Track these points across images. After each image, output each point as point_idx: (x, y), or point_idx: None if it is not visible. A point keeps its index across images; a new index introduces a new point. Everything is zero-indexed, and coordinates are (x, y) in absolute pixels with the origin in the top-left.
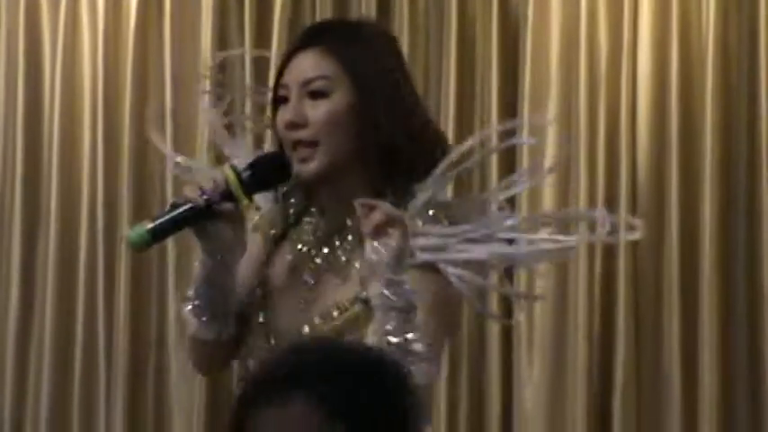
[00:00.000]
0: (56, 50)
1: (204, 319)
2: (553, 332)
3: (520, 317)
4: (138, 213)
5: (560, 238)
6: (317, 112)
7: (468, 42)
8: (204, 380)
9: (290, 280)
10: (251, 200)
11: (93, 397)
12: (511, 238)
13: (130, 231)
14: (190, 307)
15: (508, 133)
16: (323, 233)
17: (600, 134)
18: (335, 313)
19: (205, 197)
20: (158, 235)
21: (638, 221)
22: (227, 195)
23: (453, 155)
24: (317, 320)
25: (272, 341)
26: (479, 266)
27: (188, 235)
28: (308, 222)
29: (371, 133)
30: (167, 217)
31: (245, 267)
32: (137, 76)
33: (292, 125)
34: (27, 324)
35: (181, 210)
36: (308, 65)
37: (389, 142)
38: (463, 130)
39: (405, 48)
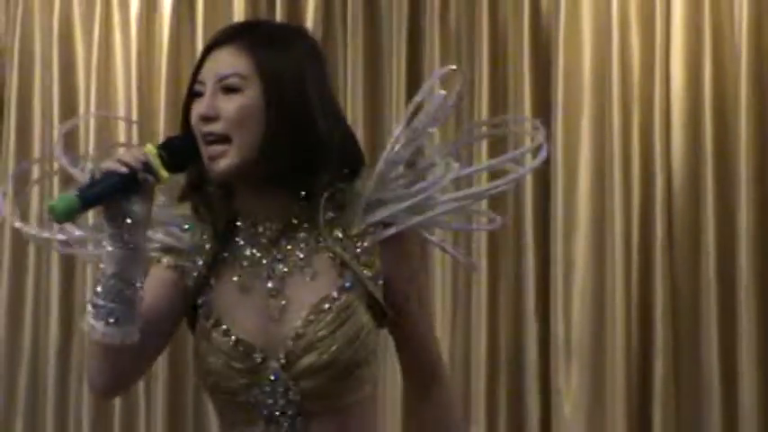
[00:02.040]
0: (90, 68)
1: (111, 320)
2: (591, 341)
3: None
4: None
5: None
6: (229, 106)
7: (500, 52)
8: None
9: (247, 296)
10: (168, 173)
11: (133, 417)
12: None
13: (55, 201)
14: (92, 309)
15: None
16: (267, 239)
17: (634, 141)
18: (326, 306)
19: (133, 167)
20: (88, 203)
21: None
22: (147, 169)
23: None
24: (301, 321)
25: (257, 358)
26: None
27: None
28: (242, 238)
29: (277, 133)
30: (95, 187)
31: (150, 295)
32: (170, 90)
33: (205, 118)
34: (66, 350)
35: (106, 179)
36: (224, 61)
37: (295, 142)
38: (496, 138)
39: (436, 53)
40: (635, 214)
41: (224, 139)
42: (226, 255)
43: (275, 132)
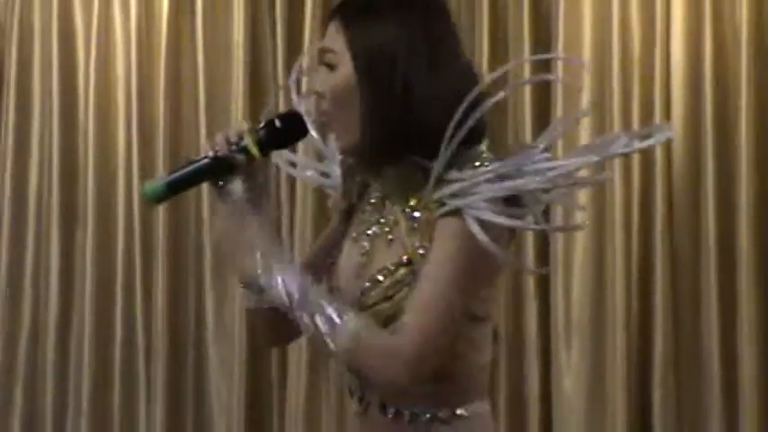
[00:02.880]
0: (89, 53)
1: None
2: (591, 317)
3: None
4: (174, 211)
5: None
6: (326, 83)
7: (500, 40)
8: (244, 376)
9: (351, 249)
10: (264, 154)
11: (133, 395)
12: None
13: (146, 184)
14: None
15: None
16: (376, 200)
17: (634, 123)
18: (381, 277)
19: (217, 149)
20: (174, 187)
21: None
22: (242, 150)
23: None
24: (367, 284)
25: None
26: (505, 205)
27: None
28: (366, 201)
29: (371, 112)
30: (183, 171)
31: (320, 241)
32: (170, 74)
33: (315, 93)
34: (66, 324)
35: (196, 163)
36: (328, 36)
37: (392, 119)
38: (496, 119)
39: None
40: (635, 191)
41: (327, 115)
42: (358, 211)
43: (370, 111)
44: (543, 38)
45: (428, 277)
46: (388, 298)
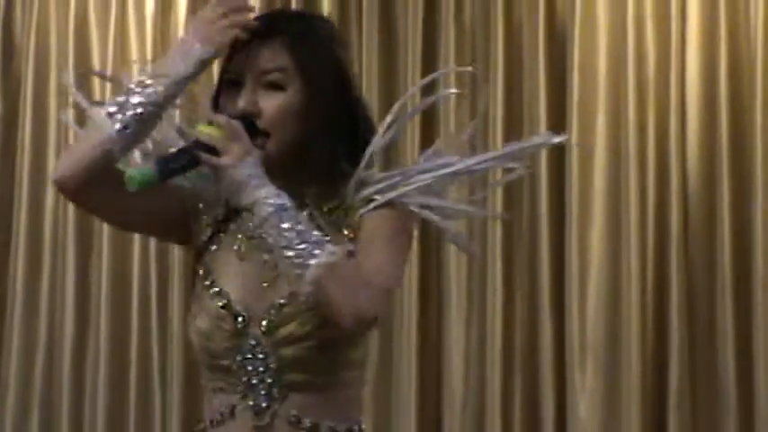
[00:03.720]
0: (105, 67)
1: (127, 130)
2: (606, 340)
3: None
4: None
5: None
6: (271, 103)
7: (515, 48)
8: None
9: (243, 264)
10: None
11: (148, 417)
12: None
13: (134, 170)
14: (113, 109)
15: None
16: None
17: (650, 139)
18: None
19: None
20: (163, 178)
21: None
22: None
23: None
24: (288, 292)
25: (239, 322)
26: (432, 192)
27: None
28: (248, 211)
29: (318, 128)
30: (172, 163)
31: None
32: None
33: (245, 114)
34: (82, 346)
35: (180, 157)
36: (266, 56)
37: (335, 137)
38: (511, 136)
39: (451, 51)
40: (650, 212)
41: (264, 134)
42: (231, 224)
43: (316, 129)
44: (558, 62)
45: (374, 247)
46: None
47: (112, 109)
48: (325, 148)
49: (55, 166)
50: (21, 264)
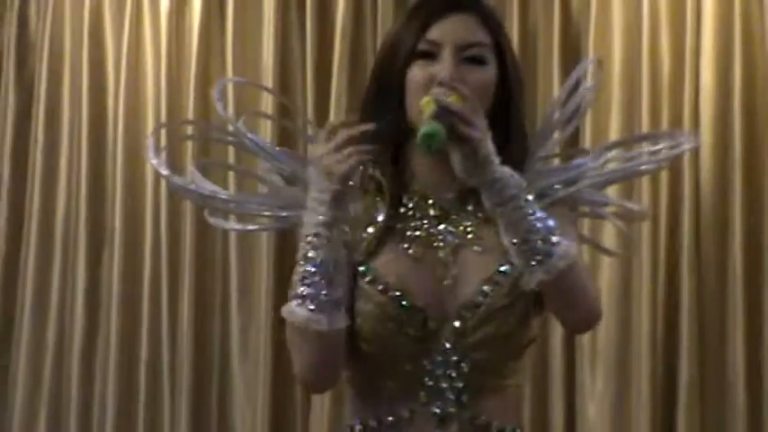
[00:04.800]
0: (119, 75)
1: (333, 306)
2: (616, 344)
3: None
4: (201, 227)
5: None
6: (475, 77)
7: (529, 54)
8: (268, 400)
9: (419, 265)
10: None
11: (157, 419)
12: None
13: (428, 128)
14: (312, 304)
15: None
16: (439, 210)
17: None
18: (501, 279)
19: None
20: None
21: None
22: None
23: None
24: (477, 291)
25: (431, 325)
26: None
27: (249, 246)
28: (412, 209)
29: (501, 112)
30: (443, 117)
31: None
32: (199, 95)
33: (447, 84)
34: (91, 347)
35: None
36: (469, 29)
37: (518, 122)
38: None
39: None
40: (662, 214)
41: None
42: (395, 225)
43: (501, 110)
44: (573, 63)
45: None
46: (509, 304)
47: (298, 301)
48: (520, 131)
49: (297, 368)
50: (31, 262)
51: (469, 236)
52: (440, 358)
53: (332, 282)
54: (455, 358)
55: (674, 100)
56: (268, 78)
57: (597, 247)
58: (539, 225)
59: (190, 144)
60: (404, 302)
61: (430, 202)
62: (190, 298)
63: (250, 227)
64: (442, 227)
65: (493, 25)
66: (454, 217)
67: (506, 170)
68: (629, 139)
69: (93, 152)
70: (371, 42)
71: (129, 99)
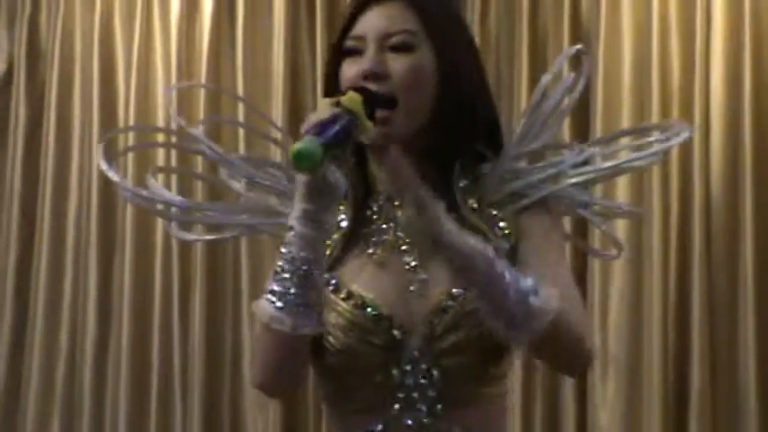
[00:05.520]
0: (130, 82)
1: (303, 308)
2: (628, 351)
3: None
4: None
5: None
6: (399, 64)
7: (539, 55)
8: (279, 408)
9: (383, 271)
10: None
11: (169, 425)
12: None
13: (297, 146)
14: (275, 298)
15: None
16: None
17: (672, 153)
18: (455, 291)
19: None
20: (327, 147)
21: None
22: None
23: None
24: (446, 295)
25: (396, 334)
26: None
27: (261, 251)
28: (376, 212)
29: (452, 97)
30: (329, 129)
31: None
32: (209, 103)
33: (372, 75)
34: (103, 352)
35: (338, 123)
36: (390, 18)
37: (469, 108)
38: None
39: None
40: (673, 220)
41: (390, 100)
42: (360, 230)
43: (448, 99)
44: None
45: (558, 266)
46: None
47: (267, 296)
48: (463, 117)
49: (261, 376)
50: (44, 267)
51: None
52: (409, 367)
53: (305, 281)
54: (424, 366)
55: (684, 103)
56: (278, 84)
57: (590, 250)
58: (511, 292)
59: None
60: (368, 310)
61: (396, 204)
62: (201, 302)
63: (210, 236)
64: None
65: (420, 10)
66: None
67: (465, 243)
68: (615, 135)
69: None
70: None
71: (140, 106)
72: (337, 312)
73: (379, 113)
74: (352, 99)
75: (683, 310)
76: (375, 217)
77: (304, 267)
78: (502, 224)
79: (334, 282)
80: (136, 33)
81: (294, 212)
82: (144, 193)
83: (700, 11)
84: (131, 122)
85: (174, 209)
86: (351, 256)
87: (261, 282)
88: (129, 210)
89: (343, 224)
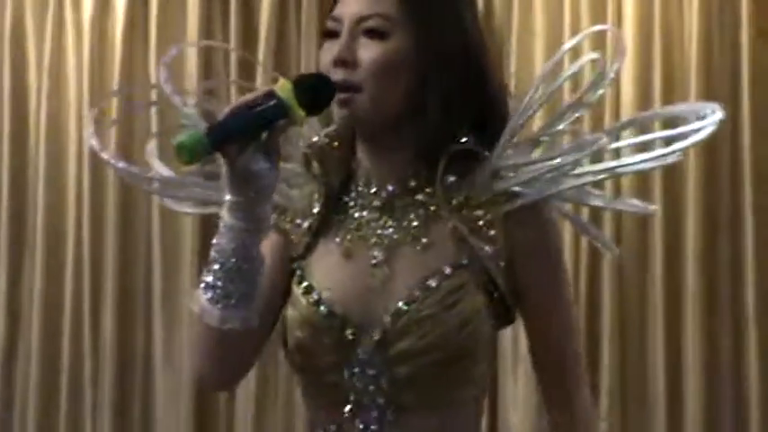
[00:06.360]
0: (41, 69)
1: (232, 302)
2: None
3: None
4: (125, 232)
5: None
6: (369, 52)
7: None
8: (191, 404)
9: (348, 263)
10: (304, 113)
11: (79, 422)
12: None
13: (181, 137)
14: (206, 291)
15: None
16: (381, 201)
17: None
18: (434, 283)
19: (260, 106)
20: (216, 140)
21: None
22: (279, 107)
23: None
24: (404, 297)
25: (348, 335)
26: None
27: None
28: (353, 199)
29: (434, 85)
30: (224, 123)
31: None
32: (124, 84)
33: (339, 62)
34: (12, 350)
35: (236, 117)
36: (366, 0)
37: (456, 98)
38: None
39: None
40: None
41: (356, 88)
42: (334, 216)
43: (430, 87)
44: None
45: (560, 300)
46: (436, 313)
47: (205, 291)
48: (449, 107)
49: (196, 370)
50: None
51: (413, 231)
52: (357, 370)
53: (233, 274)
54: (372, 372)
55: (594, 107)
56: (193, 80)
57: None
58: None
59: None
60: (321, 308)
61: (373, 190)
62: (112, 307)
63: (199, 209)
64: (382, 220)
65: None
66: (399, 208)
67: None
68: (623, 124)
69: (14, 158)
70: (296, 40)
71: (52, 104)
72: (293, 306)
73: (341, 96)
74: (283, 87)
75: (593, 311)
76: (351, 204)
77: (232, 260)
78: (487, 227)
79: (299, 272)
80: (47, 31)
81: (224, 203)
82: (135, 170)
83: (611, 11)
84: (43, 121)
85: (159, 184)
86: (320, 245)
87: (173, 279)
88: (40, 209)
89: (315, 210)
